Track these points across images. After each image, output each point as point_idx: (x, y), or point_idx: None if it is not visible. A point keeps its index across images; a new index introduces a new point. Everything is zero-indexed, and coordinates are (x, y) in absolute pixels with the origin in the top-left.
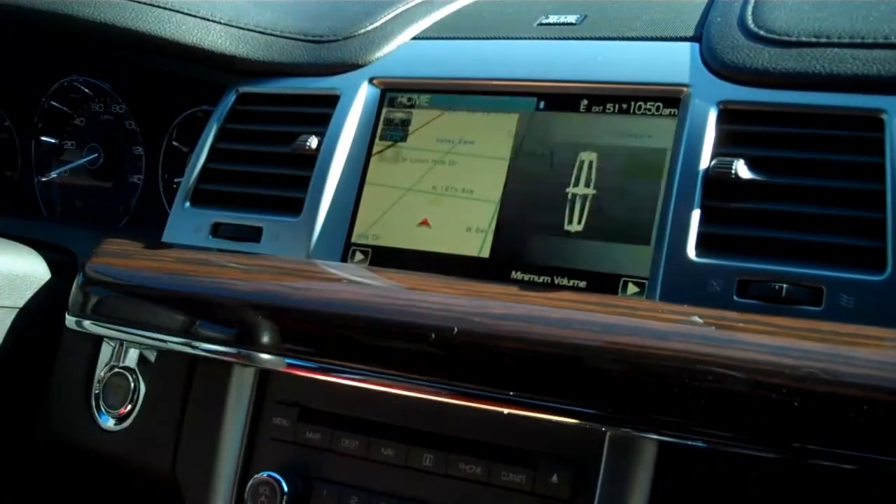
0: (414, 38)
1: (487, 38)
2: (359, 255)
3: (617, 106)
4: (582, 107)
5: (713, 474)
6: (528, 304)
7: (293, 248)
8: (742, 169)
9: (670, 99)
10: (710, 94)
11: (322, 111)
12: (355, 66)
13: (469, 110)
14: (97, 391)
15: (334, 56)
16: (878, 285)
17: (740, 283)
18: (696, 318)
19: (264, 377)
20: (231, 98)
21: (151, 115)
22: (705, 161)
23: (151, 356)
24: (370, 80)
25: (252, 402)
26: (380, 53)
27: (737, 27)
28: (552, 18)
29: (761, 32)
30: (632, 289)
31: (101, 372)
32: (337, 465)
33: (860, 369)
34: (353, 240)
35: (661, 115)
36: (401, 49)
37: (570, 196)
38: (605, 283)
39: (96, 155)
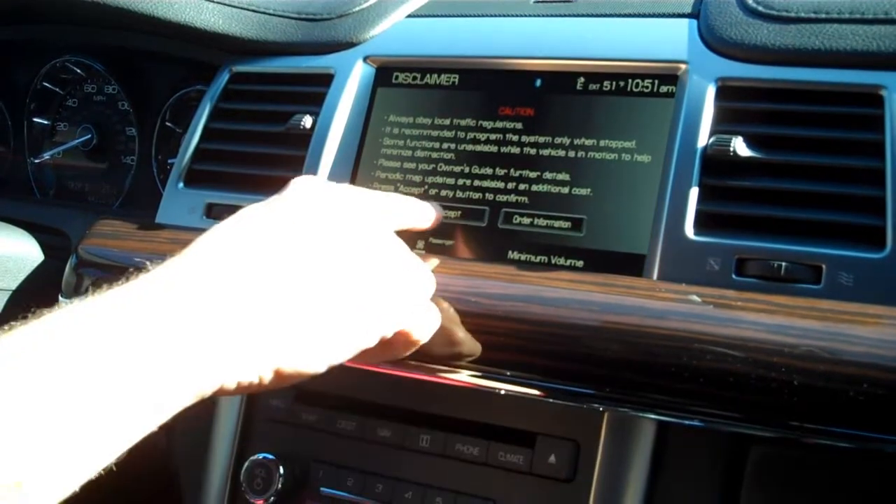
0: (409, 16)
1: (483, 16)
2: None
3: (614, 83)
4: (579, 84)
5: (712, 453)
6: (525, 284)
7: None
8: (741, 146)
9: (668, 76)
10: (708, 71)
11: (316, 90)
12: (350, 45)
13: (465, 88)
14: None
15: (328, 34)
16: (878, 263)
17: (739, 262)
18: (695, 297)
19: None
20: (224, 77)
21: (144, 96)
22: (703, 139)
23: None
24: (365, 59)
25: None
26: (374, 32)
27: (735, 3)
28: None
29: (760, 8)
30: (629, 268)
31: None
32: (334, 447)
33: (859, 347)
34: None
35: (658, 92)
36: (395, 27)
37: (567, 174)
38: (602, 263)
39: (89, 136)
